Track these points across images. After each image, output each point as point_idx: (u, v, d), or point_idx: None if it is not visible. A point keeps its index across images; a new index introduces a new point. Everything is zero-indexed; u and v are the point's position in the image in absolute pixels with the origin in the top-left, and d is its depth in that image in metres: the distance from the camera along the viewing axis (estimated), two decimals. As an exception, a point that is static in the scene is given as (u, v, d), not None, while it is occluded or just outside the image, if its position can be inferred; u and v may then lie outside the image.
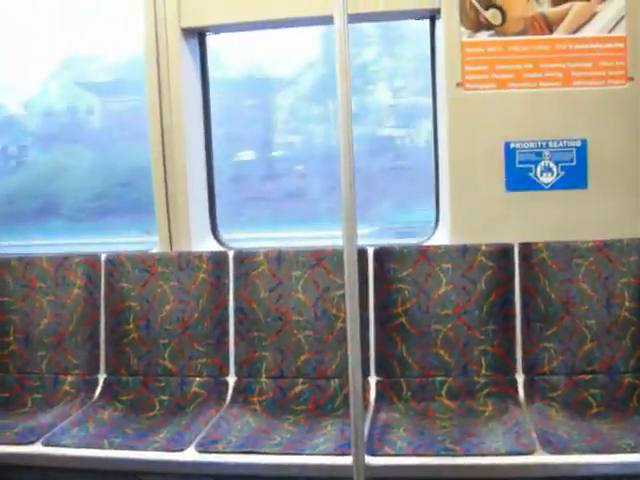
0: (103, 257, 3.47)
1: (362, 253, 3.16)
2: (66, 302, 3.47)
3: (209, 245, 3.65)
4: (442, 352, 3.17)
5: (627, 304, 3.09)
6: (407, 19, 3.50)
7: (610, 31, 3.21)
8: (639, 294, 3.09)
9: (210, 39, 3.63)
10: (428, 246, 3.30)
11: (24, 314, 3.51)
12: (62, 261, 3.50)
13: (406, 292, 3.20)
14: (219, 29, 3.56)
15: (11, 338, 3.51)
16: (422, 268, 3.21)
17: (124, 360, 3.38)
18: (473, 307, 3.16)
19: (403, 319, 3.20)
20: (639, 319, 3.07)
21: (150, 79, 3.47)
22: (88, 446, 2.86)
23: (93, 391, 3.36)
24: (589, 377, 3.07)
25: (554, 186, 3.28)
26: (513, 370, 3.14)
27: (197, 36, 3.57)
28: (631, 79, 3.20)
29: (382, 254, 3.24)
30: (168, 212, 3.54)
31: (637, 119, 3.19)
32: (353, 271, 2.46)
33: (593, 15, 3.21)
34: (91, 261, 3.47)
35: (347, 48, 2.36)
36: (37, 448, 2.87)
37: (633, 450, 2.56)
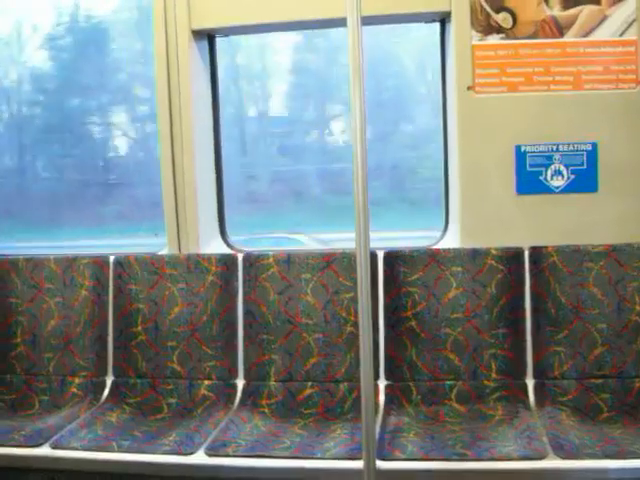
0: (111, 259, 3.45)
1: (372, 256, 3.14)
2: (74, 304, 3.46)
3: (217, 247, 3.64)
4: (452, 356, 3.16)
5: (638, 308, 3.08)
6: (418, 22, 3.49)
7: (621, 35, 3.21)
8: None
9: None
10: (438, 249, 3.29)
11: (31, 315, 3.50)
12: (70, 262, 3.49)
13: (416, 295, 3.19)
14: (229, 31, 3.56)
15: (18, 339, 3.49)
16: (432, 271, 3.20)
17: (132, 362, 3.37)
18: (483, 311, 3.15)
19: (413, 322, 3.19)
20: None
21: (160, 81, 3.47)
22: (96, 449, 2.84)
23: (101, 393, 3.34)
24: (600, 381, 3.06)
25: (564, 189, 3.27)
26: (523, 374, 3.13)
27: (207, 38, 3.57)
28: None
29: (392, 257, 3.23)
30: (177, 214, 3.53)
31: None
32: (366, 274, 2.44)
33: (604, 18, 3.21)
34: (99, 262, 3.46)
35: (360, 51, 2.35)
36: (45, 450, 2.85)
37: None
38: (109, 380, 3.38)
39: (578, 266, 3.13)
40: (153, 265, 3.39)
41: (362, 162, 2.38)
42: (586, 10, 3.21)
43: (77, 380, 3.39)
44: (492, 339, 3.14)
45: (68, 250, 3.77)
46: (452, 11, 3.25)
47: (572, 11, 3.21)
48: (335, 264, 3.25)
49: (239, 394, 3.25)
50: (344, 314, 3.23)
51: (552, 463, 2.55)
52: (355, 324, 3.08)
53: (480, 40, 3.25)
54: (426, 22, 3.46)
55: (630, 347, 3.06)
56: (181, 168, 3.51)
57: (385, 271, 3.23)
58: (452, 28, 3.28)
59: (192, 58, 3.47)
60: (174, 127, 3.48)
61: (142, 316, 3.38)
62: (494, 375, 3.13)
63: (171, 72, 3.45)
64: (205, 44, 3.57)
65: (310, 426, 3.05)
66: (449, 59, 3.37)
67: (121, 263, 3.43)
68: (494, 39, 3.25)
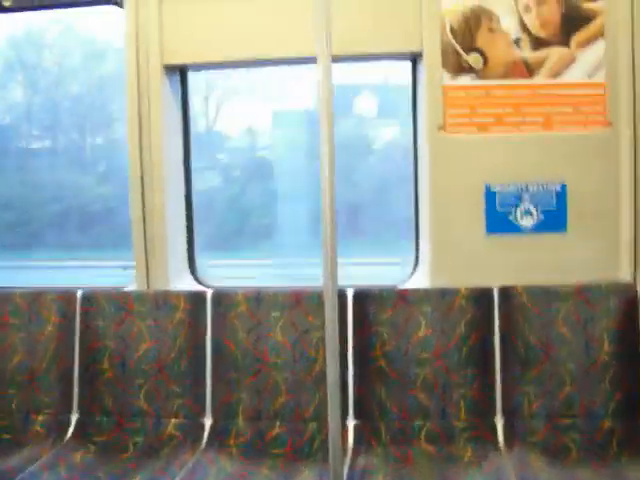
0: (79, 294, 3.40)
1: (341, 295, 3.13)
2: (39, 339, 3.39)
3: (187, 283, 3.60)
4: (421, 396, 3.14)
5: (606, 348, 3.09)
6: (389, 60, 3.51)
7: (590, 77, 3.24)
8: (618, 338, 3.09)
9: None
10: (407, 289, 3.29)
11: None
12: (36, 297, 3.43)
13: (385, 335, 3.18)
14: (201, 67, 3.55)
15: None
16: (401, 311, 3.19)
17: (98, 400, 3.31)
18: (452, 350, 3.14)
19: (382, 362, 3.17)
20: (618, 363, 3.08)
21: (131, 114, 3.44)
22: None
23: (65, 432, 3.28)
24: (569, 421, 3.06)
25: (534, 229, 3.29)
26: (492, 414, 3.12)
27: (179, 73, 3.55)
28: (610, 124, 3.23)
29: (361, 296, 3.22)
30: (146, 249, 3.49)
31: (616, 164, 3.22)
32: (333, 313, 2.41)
33: (573, 61, 3.24)
34: (66, 297, 3.40)
35: (330, 89, 2.34)
36: None
37: None
38: (74, 418, 3.32)
39: (547, 306, 3.14)
40: (120, 301, 3.34)
41: (330, 199, 2.33)
42: (556, 52, 3.24)
43: (40, 418, 3.32)
44: (461, 379, 3.13)
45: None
46: (424, 51, 3.27)
47: (542, 53, 3.25)
48: (304, 302, 3.23)
49: (206, 433, 3.21)
50: (313, 353, 3.20)
51: None
52: (324, 363, 3.06)
53: (451, 80, 3.27)
54: (398, 60, 3.48)
55: (599, 387, 3.07)
56: (151, 203, 3.47)
57: (354, 310, 3.21)
58: (423, 68, 3.30)
59: (164, 93, 3.45)
60: (144, 162, 3.45)
61: (109, 353, 3.32)
62: (463, 415, 3.12)
63: (142, 106, 3.42)
64: (177, 78, 3.55)
65: (278, 467, 3.01)
66: (420, 98, 3.39)
67: (88, 299, 3.38)
68: (465, 79, 3.27)
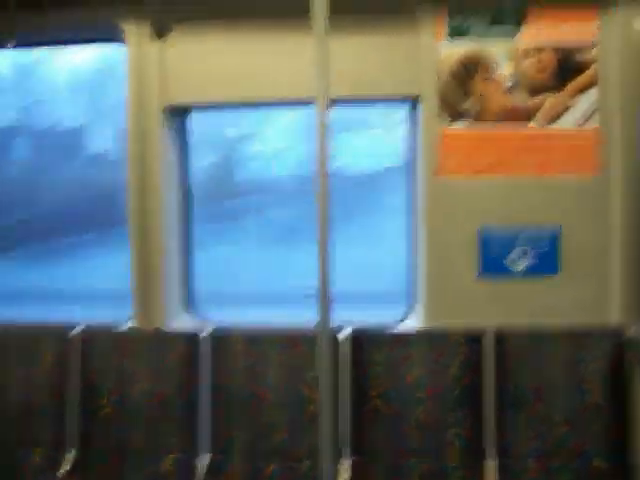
0: (76, 330, 3.42)
1: (337, 334, 3.18)
2: (37, 375, 3.40)
3: (184, 321, 3.63)
4: (415, 436, 3.18)
5: (596, 390, 3.14)
6: (387, 103, 3.56)
7: (583, 124, 3.32)
8: (607, 380, 3.15)
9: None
10: (402, 330, 3.34)
11: None
12: (34, 332, 3.45)
13: (379, 375, 3.22)
14: (201, 108, 3.60)
15: None
16: (396, 351, 3.23)
17: (95, 436, 3.33)
18: (446, 391, 3.19)
19: (376, 402, 3.21)
20: (609, 405, 3.13)
21: (132, 155, 3.48)
22: None
23: (62, 467, 3.30)
24: (560, 462, 3.11)
25: (527, 272, 3.34)
26: (485, 454, 3.17)
27: (180, 114, 3.60)
28: (602, 170, 3.30)
29: (356, 337, 3.27)
30: (144, 287, 3.52)
31: (607, 209, 3.29)
32: (327, 354, 2.44)
33: (567, 108, 3.31)
34: (63, 334, 3.43)
35: (327, 131, 2.37)
36: None
37: None
38: (71, 454, 3.34)
39: (539, 348, 3.19)
40: (118, 339, 3.37)
41: (325, 241, 2.36)
42: (550, 99, 3.31)
43: (37, 453, 3.34)
44: (454, 419, 3.18)
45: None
46: (421, 95, 3.33)
47: (537, 99, 3.32)
48: (300, 343, 3.27)
49: (202, 470, 3.24)
50: (307, 392, 3.24)
51: None
52: (319, 402, 3.10)
53: (448, 124, 3.33)
54: (395, 104, 3.54)
55: (590, 428, 3.13)
56: (150, 242, 3.50)
57: (349, 351, 3.25)
58: (421, 112, 3.36)
59: (164, 133, 3.49)
60: (144, 201, 3.48)
61: (106, 390, 3.34)
62: (456, 455, 3.16)
63: (142, 145, 3.46)
64: (177, 119, 3.59)
65: None
66: (417, 142, 3.45)
67: (86, 336, 3.40)
68: (461, 124, 3.34)
